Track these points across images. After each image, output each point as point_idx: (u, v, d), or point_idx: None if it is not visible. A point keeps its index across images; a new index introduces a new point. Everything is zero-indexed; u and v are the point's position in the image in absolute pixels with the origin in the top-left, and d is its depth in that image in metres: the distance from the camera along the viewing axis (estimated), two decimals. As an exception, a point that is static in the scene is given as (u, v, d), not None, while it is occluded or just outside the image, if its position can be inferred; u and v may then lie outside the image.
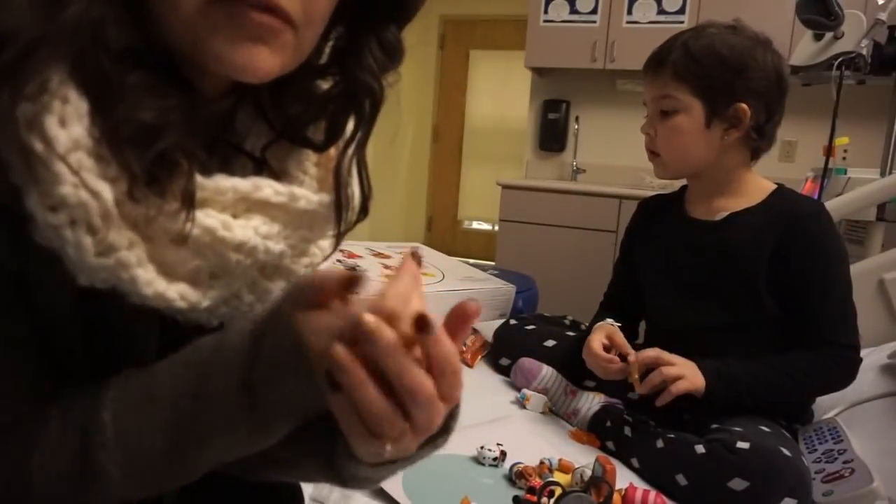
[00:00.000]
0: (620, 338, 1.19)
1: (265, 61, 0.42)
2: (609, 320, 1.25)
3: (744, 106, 1.12)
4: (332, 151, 0.52)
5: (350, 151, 0.50)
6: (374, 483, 0.47)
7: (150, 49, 0.41)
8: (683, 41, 1.15)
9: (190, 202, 0.40)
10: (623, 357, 1.16)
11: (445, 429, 0.43)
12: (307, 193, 0.47)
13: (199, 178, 0.41)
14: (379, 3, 0.48)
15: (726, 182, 1.20)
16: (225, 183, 0.42)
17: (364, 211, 0.53)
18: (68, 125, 0.36)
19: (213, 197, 0.42)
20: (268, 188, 0.45)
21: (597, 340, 1.19)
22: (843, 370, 1.12)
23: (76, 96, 0.36)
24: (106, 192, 0.37)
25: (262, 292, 0.50)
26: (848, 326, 1.12)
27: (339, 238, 0.52)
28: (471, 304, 0.37)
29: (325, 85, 0.51)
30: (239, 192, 0.43)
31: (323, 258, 0.54)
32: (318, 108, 0.51)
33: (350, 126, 0.51)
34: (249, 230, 0.44)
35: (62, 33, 0.35)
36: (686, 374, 1.08)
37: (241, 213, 0.44)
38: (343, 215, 0.51)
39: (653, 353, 1.11)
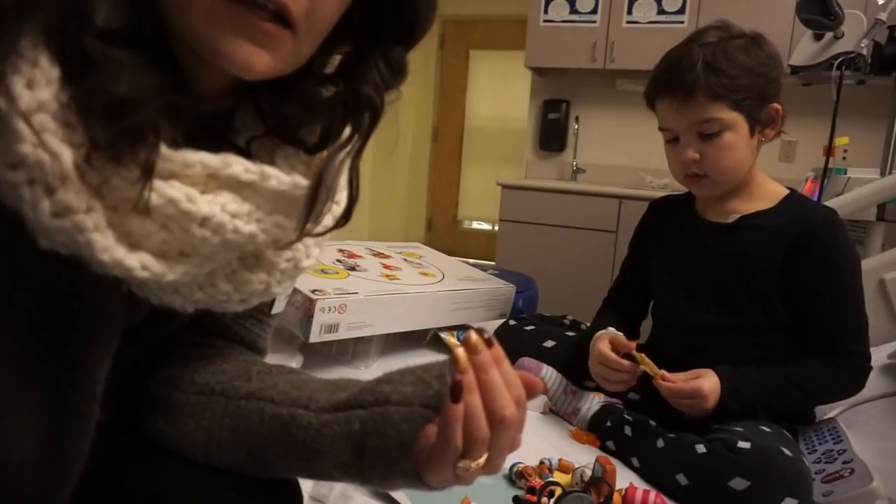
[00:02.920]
0: (622, 338, 1.18)
1: (262, 62, 0.43)
2: (611, 329, 1.23)
3: (776, 106, 1.14)
4: (324, 154, 0.52)
5: (341, 155, 0.51)
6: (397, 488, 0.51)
7: (148, 33, 0.41)
8: (703, 60, 1.08)
9: (149, 171, 0.40)
10: (629, 356, 1.15)
11: None
12: (279, 173, 0.46)
13: (166, 151, 0.41)
14: (389, 25, 0.49)
15: (743, 183, 1.19)
16: (192, 156, 0.42)
17: (346, 217, 0.53)
18: (35, 87, 0.36)
19: (181, 171, 0.42)
20: (237, 165, 0.44)
21: (604, 345, 1.18)
22: (854, 380, 1.12)
23: (47, 62, 0.37)
24: (66, 154, 0.37)
25: (240, 283, 0.50)
26: (860, 335, 1.12)
27: (302, 231, 0.50)
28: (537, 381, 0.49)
29: (327, 93, 0.52)
30: (207, 166, 0.43)
31: (304, 250, 0.53)
32: (316, 113, 0.51)
33: (346, 133, 0.51)
34: (216, 206, 0.43)
35: (43, 3, 0.36)
36: (703, 403, 1.07)
37: (212, 190, 0.44)
38: (315, 206, 0.50)
39: (674, 384, 1.10)
